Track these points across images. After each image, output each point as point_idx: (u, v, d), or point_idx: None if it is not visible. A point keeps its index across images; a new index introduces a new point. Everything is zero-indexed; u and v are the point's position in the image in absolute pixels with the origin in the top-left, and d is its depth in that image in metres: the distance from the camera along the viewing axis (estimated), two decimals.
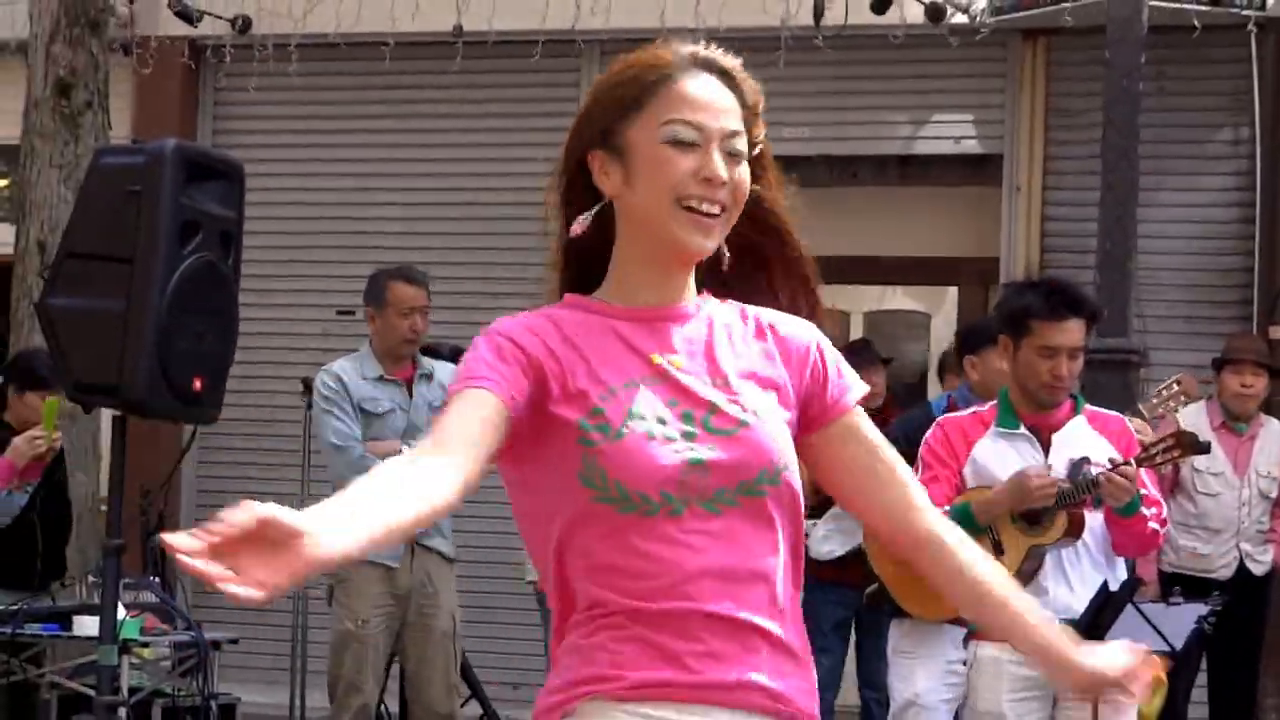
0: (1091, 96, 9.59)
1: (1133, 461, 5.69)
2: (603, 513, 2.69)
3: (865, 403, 2.91)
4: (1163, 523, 5.86)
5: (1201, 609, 5.83)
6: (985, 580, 2.90)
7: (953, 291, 11.40)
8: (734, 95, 2.85)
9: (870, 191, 11.28)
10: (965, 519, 5.71)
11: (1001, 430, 5.88)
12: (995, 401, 5.99)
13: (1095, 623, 5.53)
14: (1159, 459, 5.77)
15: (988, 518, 5.78)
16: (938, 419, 6.13)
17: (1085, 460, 5.75)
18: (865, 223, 11.17)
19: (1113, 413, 6.05)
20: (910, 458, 6.10)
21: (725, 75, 2.85)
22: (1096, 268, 8.81)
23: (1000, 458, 5.85)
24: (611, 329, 2.81)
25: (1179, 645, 5.79)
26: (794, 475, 2.78)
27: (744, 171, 2.81)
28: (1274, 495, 8.46)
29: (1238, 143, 10.34)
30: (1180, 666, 8.00)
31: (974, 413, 6.06)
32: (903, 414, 7.89)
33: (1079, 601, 5.66)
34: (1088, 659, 2.83)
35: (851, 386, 2.90)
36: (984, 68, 10.81)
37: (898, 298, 11.76)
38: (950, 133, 10.95)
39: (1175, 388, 6.13)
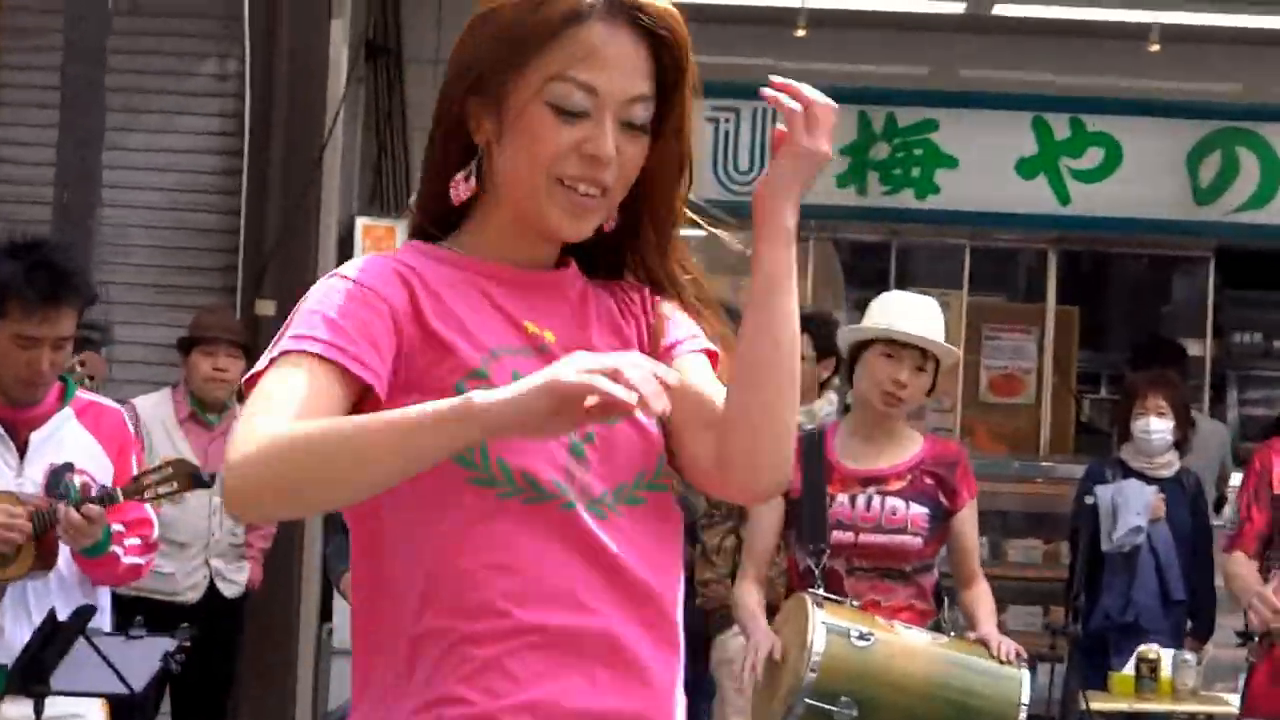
0: (52, 14, 9.59)
1: (117, 493, 5.69)
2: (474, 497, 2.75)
3: None
4: (151, 547, 5.95)
5: (168, 644, 5.91)
6: None
7: None
8: (650, 54, 2.83)
9: None
10: None
11: None
12: None
13: (39, 658, 5.54)
14: (151, 493, 5.77)
15: None
16: None
17: (69, 468, 5.74)
18: None
19: (110, 404, 6.05)
20: None
21: (648, 27, 2.83)
22: (53, 222, 8.83)
23: None
24: (478, 286, 2.86)
25: (140, 686, 5.84)
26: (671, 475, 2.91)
27: (640, 147, 2.84)
28: None
29: (225, 77, 10.63)
30: (136, 711, 8.12)
31: None
32: None
33: None
34: None
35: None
36: None
37: None
38: None
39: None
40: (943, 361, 6.39)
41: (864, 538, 6.20)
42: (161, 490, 5.83)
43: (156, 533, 6.04)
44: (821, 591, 6.08)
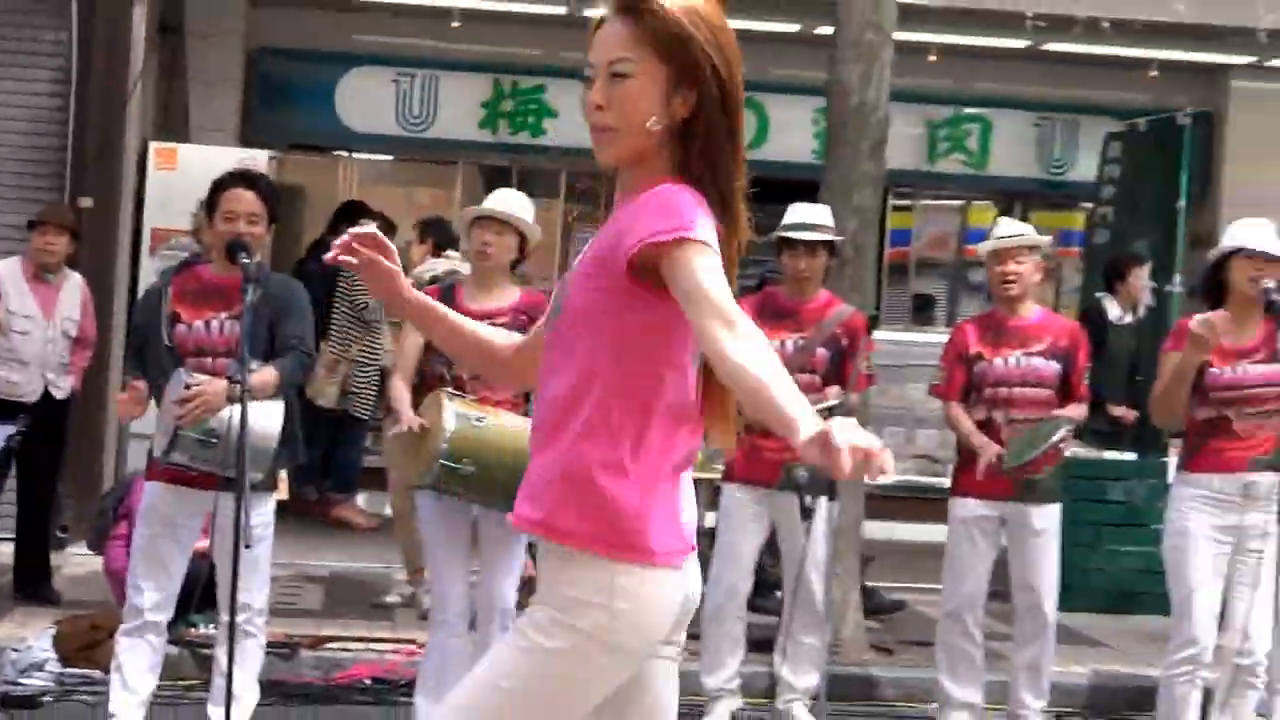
0: None
1: None
2: None
3: None
4: None
5: (9, 429, 6.13)
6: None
7: None
8: (631, 27, 2.85)
9: None
10: None
11: None
12: None
13: None
14: None
15: None
16: None
17: None
18: None
19: None
20: None
21: (627, 11, 2.86)
22: None
23: None
24: None
25: None
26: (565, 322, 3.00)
27: (626, 88, 2.83)
28: (74, 334, 8.81)
29: (58, 43, 10.55)
30: None
31: None
32: None
33: None
34: None
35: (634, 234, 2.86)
36: None
37: None
38: None
39: None
40: (529, 237, 6.31)
41: None
42: None
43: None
44: (451, 389, 6.12)
